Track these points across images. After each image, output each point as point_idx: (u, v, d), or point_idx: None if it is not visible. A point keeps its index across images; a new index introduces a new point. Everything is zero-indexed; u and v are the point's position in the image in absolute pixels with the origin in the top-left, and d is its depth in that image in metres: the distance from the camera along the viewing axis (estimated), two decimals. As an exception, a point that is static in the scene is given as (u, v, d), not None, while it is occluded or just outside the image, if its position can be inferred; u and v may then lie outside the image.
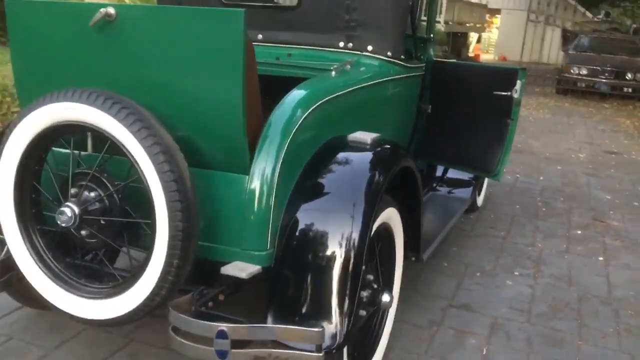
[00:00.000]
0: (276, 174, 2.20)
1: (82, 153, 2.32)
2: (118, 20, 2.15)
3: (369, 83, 2.88)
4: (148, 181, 2.03)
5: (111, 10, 2.14)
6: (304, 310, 2.13)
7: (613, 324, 3.42)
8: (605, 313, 3.54)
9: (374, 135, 2.48)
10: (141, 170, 2.04)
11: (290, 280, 2.19)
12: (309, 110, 2.36)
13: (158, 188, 2.01)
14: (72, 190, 2.19)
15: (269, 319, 2.16)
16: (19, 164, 2.23)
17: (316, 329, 1.96)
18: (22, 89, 2.43)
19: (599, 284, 3.94)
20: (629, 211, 5.62)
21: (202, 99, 2.13)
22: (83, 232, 2.18)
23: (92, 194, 2.18)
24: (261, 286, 2.27)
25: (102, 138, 2.13)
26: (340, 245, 2.17)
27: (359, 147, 2.45)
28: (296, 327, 2.00)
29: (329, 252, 2.17)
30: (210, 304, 2.22)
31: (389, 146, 2.58)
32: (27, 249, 2.29)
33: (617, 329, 3.36)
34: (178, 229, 2.02)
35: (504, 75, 3.60)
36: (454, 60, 4.47)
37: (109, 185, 2.18)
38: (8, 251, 2.35)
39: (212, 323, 2.01)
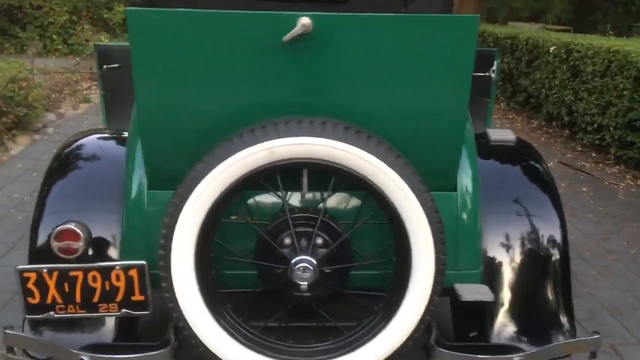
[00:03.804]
0: (479, 185, 2.13)
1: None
2: (314, 33, 1.81)
3: None
4: (403, 216, 1.80)
5: (308, 21, 1.80)
6: (546, 320, 2.11)
7: None
8: None
9: (510, 131, 2.50)
10: (393, 205, 1.80)
11: (516, 294, 2.14)
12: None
13: (420, 222, 1.80)
14: (291, 241, 1.84)
15: (498, 336, 2.10)
16: (207, 215, 1.79)
17: (596, 337, 1.97)
18: (155, 124, 1.91)
19: None
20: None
21: (421, 114, 1.91)
22: (304, 286, 1.85)
23: (320, 241, 1.86)
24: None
25: (323, 174, 1.83)
26: (552, 249, 2.18)
27: (506, 145, 2.44)
28: (578, 340, 1.99)
29: (544, 258, 2.17)
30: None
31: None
32: (217, 322, 1.87)
33: None
34: (442, 263, 1.85)
35: (481, 57, 3.81)
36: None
37: (336, 227, 1.88)
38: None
39: (507, 355, 1.90)
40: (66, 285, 1.95)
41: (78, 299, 1.96)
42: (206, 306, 1.85)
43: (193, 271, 1.82)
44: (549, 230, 2.21)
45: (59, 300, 1.96)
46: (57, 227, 1.96)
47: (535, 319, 2.14)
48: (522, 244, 2.18)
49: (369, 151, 1.75)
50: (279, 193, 1.91)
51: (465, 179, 2.10)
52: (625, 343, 3.07)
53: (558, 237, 2.20)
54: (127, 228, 2.05)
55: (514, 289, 2.16)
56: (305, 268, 1.78)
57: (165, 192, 2.02)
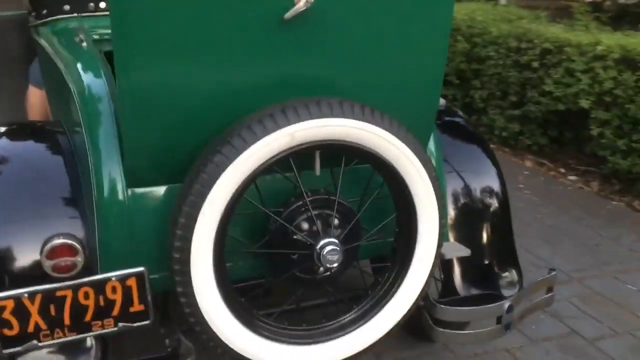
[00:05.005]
0: (441, 150, 2.25)
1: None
2: (314, 7, 1.73)
3: None
4: (412, 190, 1.87)
5: None
6: (498, 268, 2.34)
7: None
8: None
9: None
10: (403, 180, 1.85)
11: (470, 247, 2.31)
12: None
13: (427, 196, 1.88)
14: (310, 225, 1.80)
15: (463, 287, 2.30)
16: (225, 209, 1.68)
17: (553, 274, 2.24)
18: (141, 111, 1.68)
19: None
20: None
21: (409, 83, 1.92)
22: (322, 269, 1.84)
23: (336, 221, 1.84)
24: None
25: (330, 153, 1.82)
26: (493, 201, 2.38)
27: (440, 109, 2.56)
28: (543, 279, 2.23)
29: (488, 211, 2.36)
30: None
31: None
32: (238, 320, 1.78)
33: None
34: (443, 235, 1.97)
35: None
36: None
37: (348, 205, 1.87)
38: None
39: (500, 302, 2.07)
40: (52, 307, 1.69)
41: (67, 321, 1.71)
42: (226, 306, 1.75)
43: (212, 271, 1.70)
44: (490, 184, 2.41)
45: (43, 326, 1.69)
46: (47, 242, 1.67)
47: (489, 267, 2.36)
48: (469, 200, 2.37)
49: (385, 129, 1.76)
50: (286, 175, 1.84)
51: (431, 145, 2.21)
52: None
53: (497, 189, 2.41)
54: (106, 233, 1.81)
55: (469, 242, 2.35)
56: (333, 250, 1.76)
57: (150, 189, 1.83)
